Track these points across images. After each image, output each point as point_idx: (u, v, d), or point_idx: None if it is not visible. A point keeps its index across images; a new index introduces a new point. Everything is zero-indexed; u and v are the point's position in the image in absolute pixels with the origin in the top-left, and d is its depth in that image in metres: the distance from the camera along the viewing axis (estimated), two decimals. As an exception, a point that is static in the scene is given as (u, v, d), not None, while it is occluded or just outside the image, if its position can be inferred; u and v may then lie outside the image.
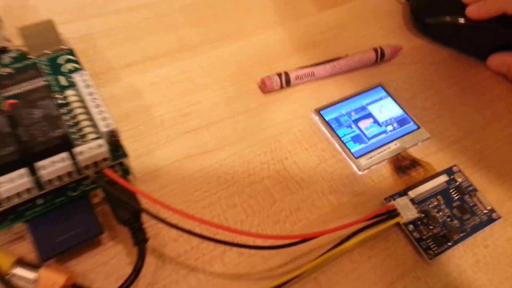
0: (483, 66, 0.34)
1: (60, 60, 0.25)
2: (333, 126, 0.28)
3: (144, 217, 0.22)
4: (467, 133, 0.30)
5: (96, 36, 0.31)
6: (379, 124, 0.29)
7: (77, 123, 0.22)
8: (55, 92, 0.24)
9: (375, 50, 0.32)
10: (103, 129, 0.21)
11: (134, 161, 0.25)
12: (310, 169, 0.27)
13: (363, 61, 0.32)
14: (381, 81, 0.31)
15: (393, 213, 0.25)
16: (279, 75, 0.30)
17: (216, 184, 0.25)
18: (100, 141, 0.21)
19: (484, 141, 0.30)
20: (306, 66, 0.30)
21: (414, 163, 0.28)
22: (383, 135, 0.28)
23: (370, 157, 0.27)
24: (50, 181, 0.20)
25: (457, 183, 0.27)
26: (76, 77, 0.23)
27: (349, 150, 0.27)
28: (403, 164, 0.27)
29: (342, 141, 0.28)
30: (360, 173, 0.27)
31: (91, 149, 0.21)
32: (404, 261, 0.24)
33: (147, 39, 0.31)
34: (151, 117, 0.27)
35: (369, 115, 0.29)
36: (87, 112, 0.23)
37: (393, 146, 0.28)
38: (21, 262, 0.20)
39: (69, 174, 0.21)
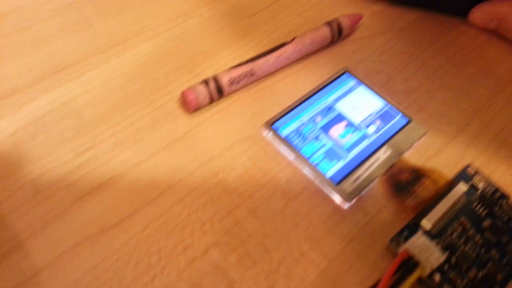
0: (464, 24, 0.26)
1: None
2: (294, 142, 0.20)
3: None
4: (471, 114, 0.22)
5: None
6: (356, 127, 0.21)
7: None
8: None
9: (329, 24, 0.23)
10: None
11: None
12: (275, 217, 0.18)
13: (316, 42, 0.23)
14: (345, 66, 0.23)
15: (409, 264, 0.16)
16: (206, 82, 0.21)
17: (133, 277, 0.16)
18: None
19: (496, 120, 0.22)
20: (242, 64, 0.22)
21: (416, 174, 0.19)
22: (366, 141, 0.20)
23: (356, 179, 0.19)
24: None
25: (479, 192, 0.19)
26: None
27: (324, 175, 0.19)
28: (403, 179, 0.19)
29: (311, 163, 0.19)
30: (346, 206, 0.18)
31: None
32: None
33: (5, 64, 0.21)
34: (18, 185, 0.18)
35: (340, 117, 0.21)
36: None
37: (383, 154, 0.20)
38: None
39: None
